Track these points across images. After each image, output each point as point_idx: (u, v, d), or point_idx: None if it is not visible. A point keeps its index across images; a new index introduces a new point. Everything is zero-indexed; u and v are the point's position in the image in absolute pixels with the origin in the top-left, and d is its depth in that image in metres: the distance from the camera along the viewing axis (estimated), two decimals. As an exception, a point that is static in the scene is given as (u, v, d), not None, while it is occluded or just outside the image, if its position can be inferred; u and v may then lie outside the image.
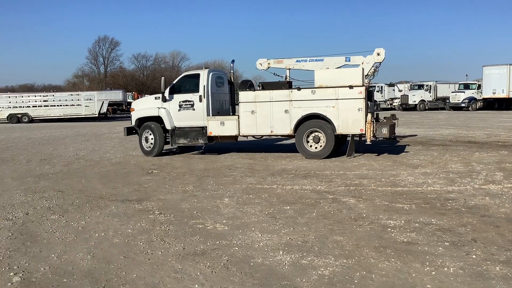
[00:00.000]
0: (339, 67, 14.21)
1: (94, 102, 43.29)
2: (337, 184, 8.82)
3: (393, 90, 51.26)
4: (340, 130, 12.34)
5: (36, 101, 44.12)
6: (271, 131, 13.17)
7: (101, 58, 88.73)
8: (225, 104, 14.49)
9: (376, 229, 5.87)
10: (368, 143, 12.29)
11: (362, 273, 4.49)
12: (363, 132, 12.18)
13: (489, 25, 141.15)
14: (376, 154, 12.94)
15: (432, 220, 6.22)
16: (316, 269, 4.61)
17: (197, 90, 13.73)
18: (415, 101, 46.51)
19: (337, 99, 12.29)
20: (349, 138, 12.75)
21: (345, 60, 14.61)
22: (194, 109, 13.78)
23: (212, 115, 13.72)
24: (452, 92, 44.76)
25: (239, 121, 13.35)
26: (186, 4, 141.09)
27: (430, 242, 5.32)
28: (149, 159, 13.35)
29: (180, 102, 13.95)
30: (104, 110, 43.21)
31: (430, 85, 47.39)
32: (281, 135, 13.56)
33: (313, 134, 12.67)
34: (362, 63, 14.22)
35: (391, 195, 7.80)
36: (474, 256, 4.84)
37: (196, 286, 4.33)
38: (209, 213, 6.92)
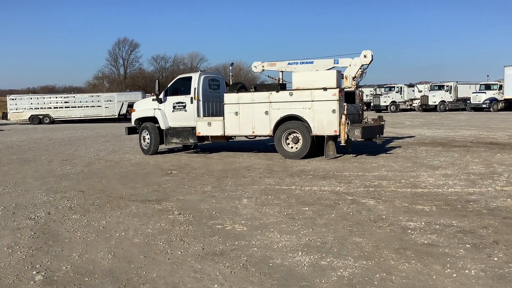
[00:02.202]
0: (328, 69, 14.21)
1: (114, 103, 43.94)
2: (356, 185, 8.78)
3: (413, 90, 50.72)
4: (315, 131, 12.46)
5: (57, 103, 44.94)
6: (253, 132, 13.49)
7: (121, 59, 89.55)
8: (221, 106, 14.60)
9: (396, 231, 5.83)
10: (343, 144, 12.30)
11: (382, 274, 4.47)
12: (337, 134, 12.20)
13: (511, 24, 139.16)
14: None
15: (453, 222, 6.15)
16: (336, 270, 4.60)
17: (189, 92, 14.26)
18: (435, 102, 45.99)
19: (312, 101, 12.43)
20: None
21: (334, 62, 14.67)
22: (186, 110, 14.34)
23: (204, 117, 14.11)
24: (473, 92, 44.16)
25: (224, 122, 13.65)
26: (204, 5, 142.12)
27: (451, 244, 5.26)
28: (168, 160, 13.46)
29: (174, 103, 14.56)
30: (123, 111, 43.73)
31: (451, 86, 46.82)
32: (262, 136, 13.80)
33: (292, 135, 12.83)
34: (350, 65, 14.23)
35: (411, 196, 7.73)
36: (495, 259, 4.78)
37: (216, 286, 4.35)
38: (228, 214, 6.94)
